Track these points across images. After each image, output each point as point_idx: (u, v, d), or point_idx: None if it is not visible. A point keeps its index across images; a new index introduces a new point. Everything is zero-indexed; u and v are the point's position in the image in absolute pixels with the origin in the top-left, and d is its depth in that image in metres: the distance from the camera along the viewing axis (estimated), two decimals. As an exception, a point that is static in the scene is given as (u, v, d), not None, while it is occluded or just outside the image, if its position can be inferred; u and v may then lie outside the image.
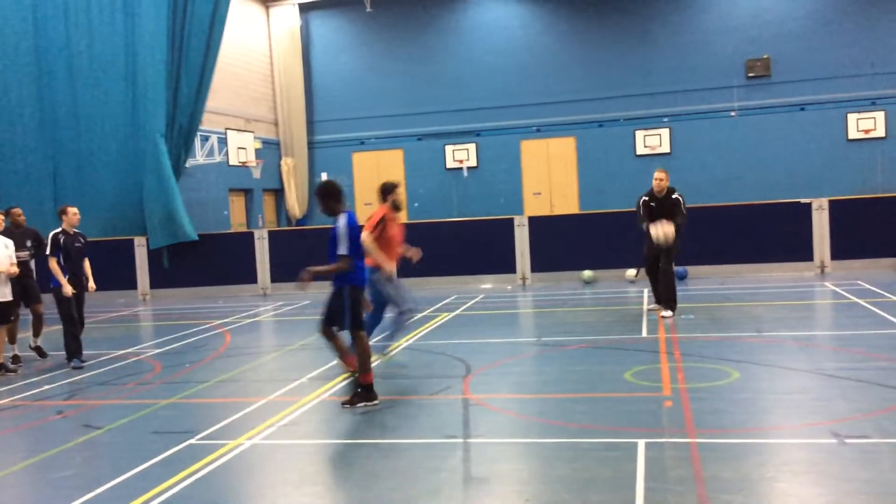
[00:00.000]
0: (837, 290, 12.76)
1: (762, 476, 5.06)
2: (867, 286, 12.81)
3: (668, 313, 11.02)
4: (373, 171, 24.87)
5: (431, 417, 6.82)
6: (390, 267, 8.82)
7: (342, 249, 7.12)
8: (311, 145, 25.17)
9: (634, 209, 11.46)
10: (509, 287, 16.04)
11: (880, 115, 22.34)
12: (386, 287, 8.78)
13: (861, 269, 14.76)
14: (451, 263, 16.71)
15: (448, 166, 24.58)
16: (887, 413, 6.10)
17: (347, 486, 5.45)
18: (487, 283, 16.43)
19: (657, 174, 11.06)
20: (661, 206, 10.86)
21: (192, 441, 6.42)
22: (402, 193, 8.93)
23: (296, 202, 24.49)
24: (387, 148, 24.99)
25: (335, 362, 9.16)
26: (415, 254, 9.58)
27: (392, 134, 24.83)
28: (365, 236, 8.19)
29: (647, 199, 11.04)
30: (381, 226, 8.65)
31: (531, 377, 8.36)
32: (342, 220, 7.17)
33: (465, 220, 18.51)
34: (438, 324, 11.74)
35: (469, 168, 24.45)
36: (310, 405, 7.41)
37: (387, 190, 9.00)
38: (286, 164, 24.36)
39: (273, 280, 17.44)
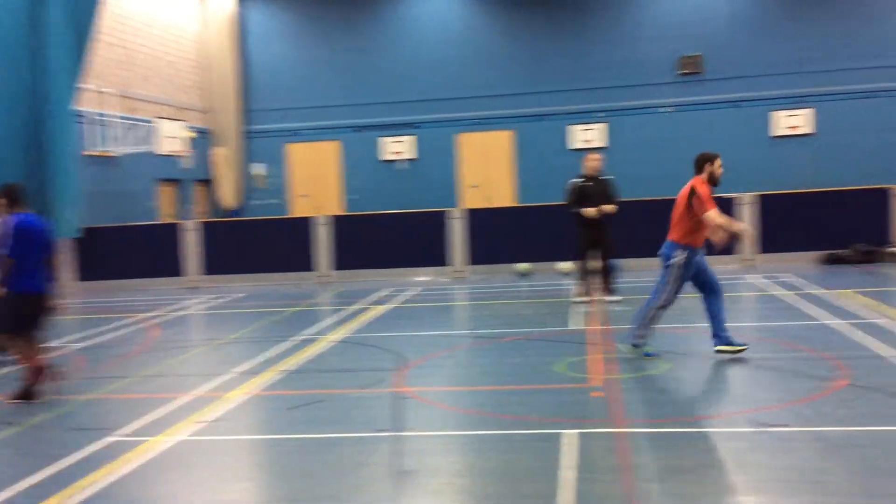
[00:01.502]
0: (764, 282, 13.10)
1: (686, 465, 5.16)
2: (792, 279, 13.18)
3: (614, 298, 11.55)
4: (308, 162, 24.60)
5: (363, 411, 6.76)
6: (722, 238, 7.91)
7: (4, 250, 7.21)
8: (246, 135, 24.73)
9: (567, 202, 11.64)
10: (445, 280, 16.06)
11: (808, 113, 23.02)
12: (681, 270, 7.85)
13: (787, 263, 15.18)
14: (387, 256, 16.65)
15: (385, 158, 24.46)
16: (807, 402, 6.28)
17: (276, 483, 5.37)
18: (423, 276, 16.42)
19: (592, 155, 11.66)
20: (597, 186, 11.25)
21: (114, 438, 6.23)
22: (719, 166, 7.97)
23: (229, 193, 24.05)
24: (323, 139, 24.72)
25: (267, 356, 9.04)
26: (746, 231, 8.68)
27: (328, 125, 24.56)
28: (713, 214, 7.70)
29: (580, 181, 11.34)
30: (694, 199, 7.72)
31: (465, 370, 8.37)
32: (12, 221, 7.27)
33: (401, 212, 18.45)
34: (373, 317, 11.67)
35: (406, 160, 24.37)
36: (239, 401, 7.27)
37: (705, 160, 8.02)
38: (219, 154, 23.89)
39: (204, 272, 17.11)
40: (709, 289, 7.92)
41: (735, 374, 7.44)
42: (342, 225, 17.24)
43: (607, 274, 11.71)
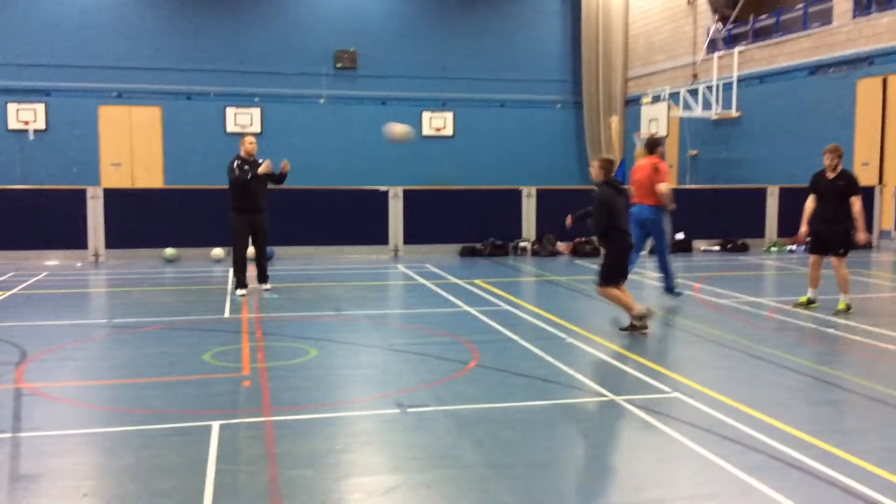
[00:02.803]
0: (409, 272, 13.86)
1: (332, 448, 5.22)
2: (434, 269, 14.11)
3: (268, 286, 11.43)
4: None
5: (-29, 411, 5.88)
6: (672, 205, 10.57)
7: None
8: None
9: (226, 187, 11.30)
10: (79, 264, 14.67)
11: (449, 116, 24.86)
12: (666, 225, 10.56)
13: (429, 254, 16.22)
14: (7, 236, 14.76)
15: (11, 127, 21.72)
16: (443, 383, 6.72)
17: None
18: (53, 260, 14.85)
19: (248, 138, 11.52)
20: (252, 169, 11.11)
21: None
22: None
23: None
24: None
25: None
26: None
27: (-61, 83, 21.21)
28: (664, 187, 10.35)
29: (238, 162, 11.11)
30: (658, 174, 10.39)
31: (98, 362, 7.68)
32: None
33: (29, 188, 16.50)
34: (-10, 304, 10.27)
35: (36, 131, 21.85)
36: None
37: (656, 143, 10.83)
38: None
39: None
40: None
41: (380, 359, 7.74)
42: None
43: (262, 261, 11.55)
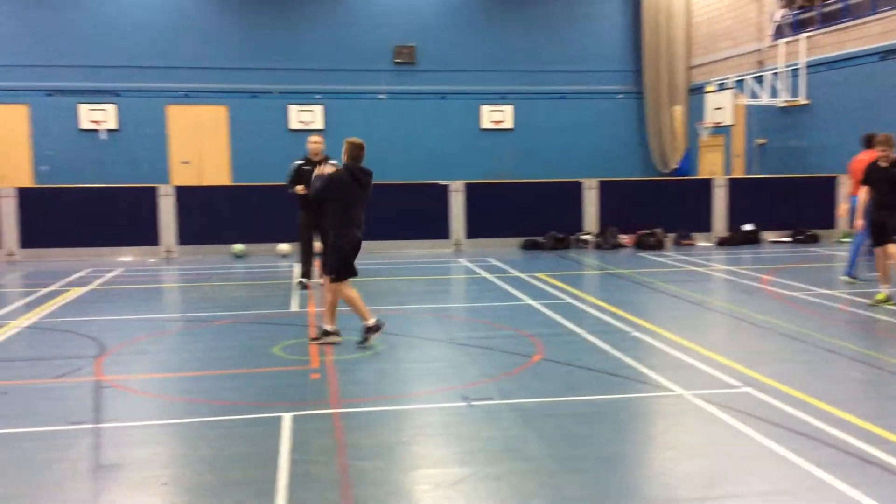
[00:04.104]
0: (471, 266, 13.90)
1: (399, 440, 5.30)
2: (496, 263, 14.13)
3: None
4: (-9, 127, 21.89)
5: (55, 403, 6.14)
6: None
7: None
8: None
9: (286, 183, 11.46)
10: (152, 260, 15.11)
11: (508, 109, 24.79)
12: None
13: (491, 248, 16.23)
14: (84, 234, 15.26)
15: (83, 127, 22.44)
16: (508, 376, 6.75)
17: (-55, 488, 4.69)
18: (127, 256, 15.32)
19: (312, 138, 11.48)
20: (315, 168, 11.16)
21: None
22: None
23: None
24: (7, 101, 22.08)
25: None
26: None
27: (14, 86, 21.99)
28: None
29: (301, 163, 11.24)
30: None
31: (173, 355, 7.92)
32: None
33: (102, 186, 17.03)
34: (68, 300, 10.66)
35: (108, 131, 22.55)
36: None
37: (872, 137, 10.96)
38: None
39: None
40: None
41: (445, 352, 7.79)
42: (31, 198, 15.54)
43: (327, 256, 11.70)
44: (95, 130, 22.49)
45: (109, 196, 15.93)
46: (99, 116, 22.45)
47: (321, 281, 11.55)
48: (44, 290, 11.34)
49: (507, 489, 4.50)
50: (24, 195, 15.46)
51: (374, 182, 8.05)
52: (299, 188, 11.21)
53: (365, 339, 7.81)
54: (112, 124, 22.58)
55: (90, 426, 5.55)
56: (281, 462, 4.85)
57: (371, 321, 7.83)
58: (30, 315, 9.55)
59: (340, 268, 7.84)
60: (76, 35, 22.24)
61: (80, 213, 15.39)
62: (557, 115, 24.93)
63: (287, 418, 5.62)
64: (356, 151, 7.86)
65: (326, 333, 7.90)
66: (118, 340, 8.19)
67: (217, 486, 4.59)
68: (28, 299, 10.74)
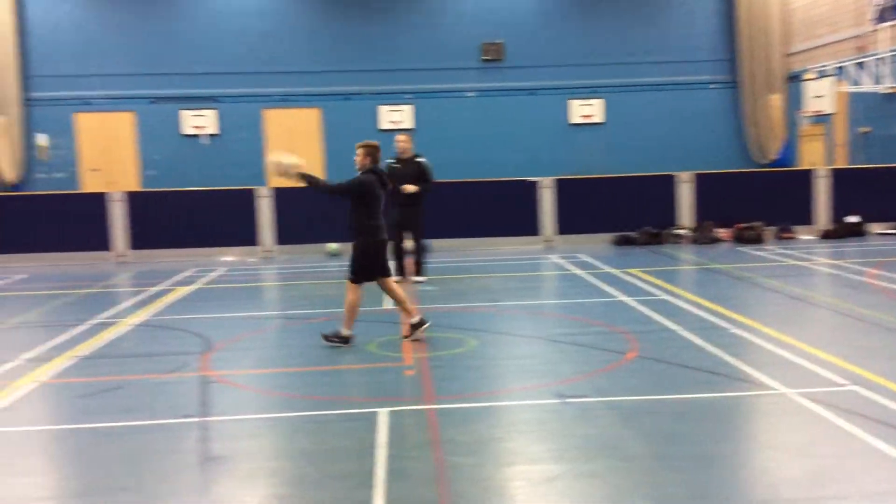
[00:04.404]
0: (562, 262, 13.82)
1: (494, 436, 5.35)
2: (588, 259, 14.00)
3: (422, 278, 11.73)
4: (99, 133, 22.97)
5: (165, 397, 6.44)
6: None
7: None
8: (27, 103, 22.67)
9: None
10: (252, 260, 15.61)
11: (598, 102, 24.47)
12: None
13: (582, 244, 16.09)
14: (188, 235, 15.91)
15: (185, 133, 23.33)
16: (603, 373, 6.70)
17: (69, 474, 5.00)
18: (230, 256, 15.87)
19: (399, 137, 11.79)
20: (405, 168, 11.38)
21: None
22: None
23: (9, 165, 21.99)
24: (115, 109, 23.15)
25: (57, 341, 8.39)
26: None
27: (122, 95, 23.03)
28: None
29: (391, 161, 11.50)
30: None
31: (274, 351, 8.19)
32: None
33: (206, 189, 17.70)
34: (175, 299, 11.13)
35: (209, 135, 23.39)
36: (26, 389, 6.69)
37: None
38: (-5, 122, 21.75)
39: (-17, 251, 15.60)
40: None
41: (538, 349, 7.80)
42: (139, 202, 16.30)
43: (418, 254, 11.90)
44: (197, 135, 23.35)
45: (211, 198, 16.55)
46: (200, 122, 23.29)
47: (414, 279, 11.78)
48: (152, 290, 11.88)
49: (604, 487, 4.48)
50: (133, 199, 16.22)
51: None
52: (409, 188, 11.46)
53: (332, 343, 7.80)
54: (212, 129, 23.40)
55: (198, 419, 5.80)
56: (378, 456, 4.96)
57: (347, 332, 7.86)
58: (140, 313, 10.02)
59: (361, 270, 7.94)
60: (178, 44, 23.13)
61: (184, 215, 16.04)
62: (649, 108, 24.46)
63: (383, 413, 5.73)
64: (376, 153, 7.99)
65: (417, 325, 8.00)
66: (222, 337, 8.51)
67: (318, 479, 4.73)
68: (138, 298, 11.27)
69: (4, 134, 21.92)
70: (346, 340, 7.87)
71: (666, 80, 24.65)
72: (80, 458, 5.22)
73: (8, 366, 7.46)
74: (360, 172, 7.95)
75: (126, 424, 5.79)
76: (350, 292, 7.95)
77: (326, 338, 7.89)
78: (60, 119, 22.76)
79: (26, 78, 22.60)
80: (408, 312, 8.05)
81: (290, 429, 5.70)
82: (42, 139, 22.74)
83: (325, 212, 16.09)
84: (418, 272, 11.88)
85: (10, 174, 22.05)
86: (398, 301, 8.09)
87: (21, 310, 10.62)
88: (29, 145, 22.59)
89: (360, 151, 7.99)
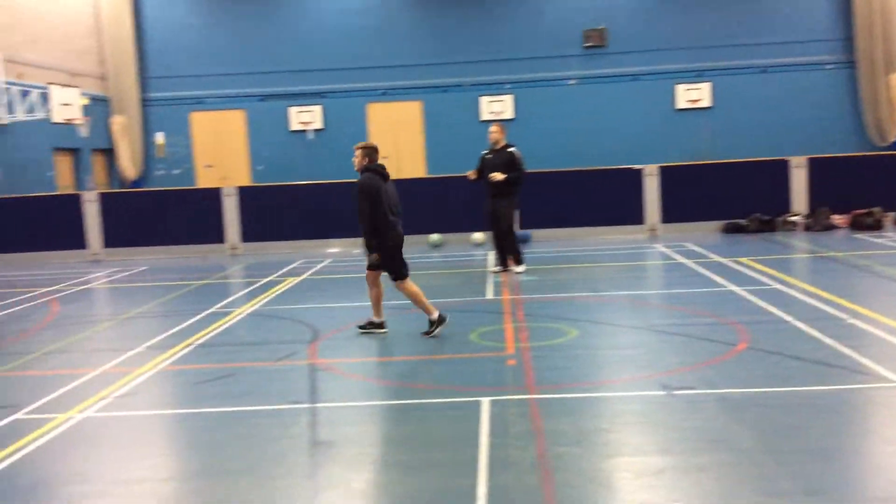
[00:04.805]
0: (667, 251, 13.52)
1: (598, 427, 5.29)
2: (695, 248, 13.65)
3: (521, 268, 11.67)
4: (212, 131, 23.92)
5: (276, 383, 6.67)
6: None
7: None
8: (145, 103, 23.82)
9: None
10: (357, 251, 15.93)
11: (706, 87, 23.73)
12: None
13: (688, 232, 15.70)
14: (296, 227, 16.41)
15: (293, 128, 24.00)
16: (710, 365, 6.53)
17: (187, 457, 5.25)
18: (335, 248, 16.26)
19: (491, 127, 11.79)
20: (495, 158, 11.40)
21: (19, 416, 5.98)
22: None
23: (129, 163, 23.17)
24: (227, 108, 24.04)
25: (175, 330, 8.81)
26: None
27: (233, 93, 23.90)
28: None
29: (484, 152, 11.59)
30: None
31: (378, 340, 8.34)
32: None
33: (311, 183, 18.16)
34: (284, 289, 11.50)
35: (315, 130, 23.99)
36: (147, 375, 7.06)
37: None
38: (117, 122, 22.95)
39: (106, 245, 16.51)
40: None
41: (642, 340, 7.66)
42: (251, 196, 16.89)
43: (512, 244, 11.82)
44: (304, 131, 23.99)
45: (317, 191, 16.98)
46: (307, 118, 23.92)
47: (514, 269, 11.76)
48: (263, 280, 12.30)
49: (713, 481, 4.38)
50: (244, 193, 16.82)
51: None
52: (470, 173, 11.62)
53: (430, 332, 7.98)
54: (318, 124, 23.98)
55: (307, 405, 5.98)
56: (481, 445, 4.99)
57: (435, 314, 8.00)
58: (252, 303, 10.40)
59: (396, 268, 8.16)
60: (285, 44, 23.80)
61: (293, 209, 16.52)
62: (759, 91, 23.56)
63: (485, 402, 5.77)
64: (374, 154, 8.27)
65: (434, 321, 7.99)
66: (330, 327, 8.74)
67: (421, 466, 4.81)
68: (250, 289, 11.70)
69: (125, 133, 23.10)
70: (441, 321, 8.00)
71: (777, 61, 23.69)
72: (197, 442, 5.48)
73: (130, 353, 7.89)
74: (359, 172, 8.22)
75: (239, 409, 6.04)
76: (404, 288, 8.19)
77: (429, 331, 8.02)
78: (176, 118, 23.83)
79: (144, 79, 23.75)
80: (427, 310, 8.11)
81: (394, 416, 5.81)
82: (160, 137, 23.88)
83: (427, 203, 16.31)
84: (516, 262, 11.83)
85: (131, 171, 23.22)
86: (412, 299, 8.22)
87: (142, 301, 11.19)
88: (147, 143, 23.74)
89: (358, 153, 8.27)
